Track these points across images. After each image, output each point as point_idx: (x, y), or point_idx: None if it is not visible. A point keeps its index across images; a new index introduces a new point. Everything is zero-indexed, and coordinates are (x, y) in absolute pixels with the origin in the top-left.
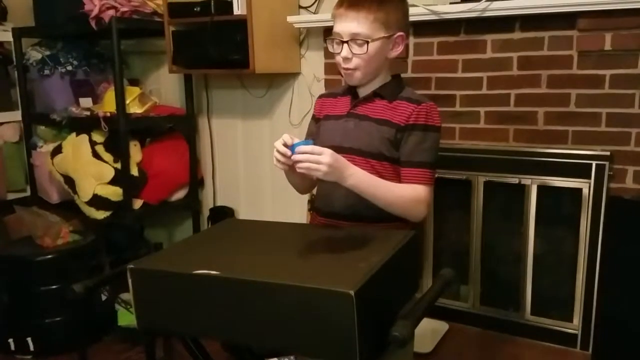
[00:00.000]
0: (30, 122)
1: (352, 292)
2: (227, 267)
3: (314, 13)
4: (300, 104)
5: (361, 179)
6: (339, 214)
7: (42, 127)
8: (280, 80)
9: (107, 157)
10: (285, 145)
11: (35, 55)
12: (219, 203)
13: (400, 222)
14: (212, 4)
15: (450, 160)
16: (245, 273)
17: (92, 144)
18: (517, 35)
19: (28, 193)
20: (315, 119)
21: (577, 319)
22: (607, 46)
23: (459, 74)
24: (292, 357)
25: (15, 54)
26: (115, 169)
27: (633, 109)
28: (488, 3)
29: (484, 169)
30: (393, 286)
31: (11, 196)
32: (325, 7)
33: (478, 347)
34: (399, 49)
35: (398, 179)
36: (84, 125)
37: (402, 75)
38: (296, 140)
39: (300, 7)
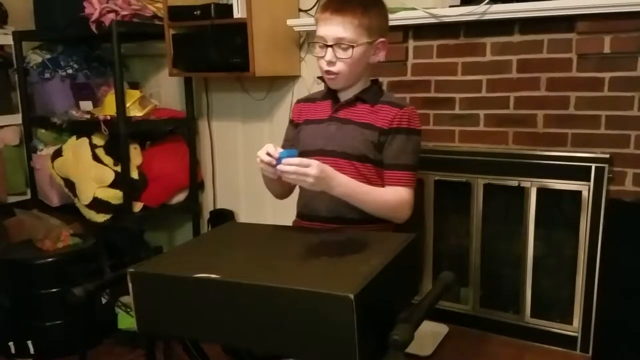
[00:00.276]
0: (30, 125)
1: (351, 296)
2: (227, 270)
3: (314, 16)
4: None
5: (348, 187)
6: (323, 217)
7: (43, 131)
8: (280, 83)
9: (108, 160)
10: (269, 154)
11: (35, 58)
12: (219, 206)
13: (383, 223)
14: (212, 7)
15: (450, 163)
16: (245, 276)
17: (93, 147)
18: (516, 38)
19: (28, 196)
20: (294, 124)
21: (577, 321)
22: (607, 49)
23: (459, 77)
24: None
25: (16, 57)
26: (116, 172)
27: (632, 112)
28: (487, 6)
29: (484, 171)
30: (393, 289)
31: (12, 199)
32: None
33: (478, 349)
34: (381, 54)
35: (381, 180)
36: (84, 128)
37: (402, 78)
38: (280, 150)
39: (300, 10)
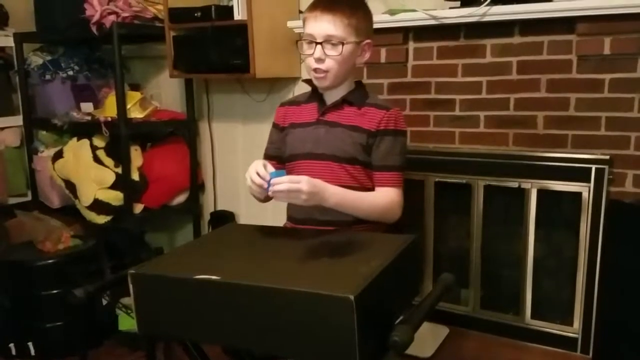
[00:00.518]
0: (31, 126)
1: (352, 297)
2: (228, 271)
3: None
4: None
5: (340, 196)
6: (316, 220)
7: (43, 132)
8: (281, 84)
9: (108, 161)
10: (258, 175)
11: (36, 60)
12: (219, 207)
13: (375, 224)
14: (213, 9)
15: (450, 165)
16: (245, 278)
17: (93, 148)
18: (516, 39)
19: (29, 198)
20: (280, 128)
21: (577, 323)
22: (607, 50)
23: (459, 79)
24: None
25: (17, 59)
26: (116, 173)
27: (632, 113)
28: (487, 8)
29: (484, 173)
30: (393, 291)
31: (12, 201)
32: None
33: (478, 351)
34: (366, 55)
35: (371, 181)
36: (85, 130)
37: (403, 79)
38: (270, 169)
39: (300, 12)
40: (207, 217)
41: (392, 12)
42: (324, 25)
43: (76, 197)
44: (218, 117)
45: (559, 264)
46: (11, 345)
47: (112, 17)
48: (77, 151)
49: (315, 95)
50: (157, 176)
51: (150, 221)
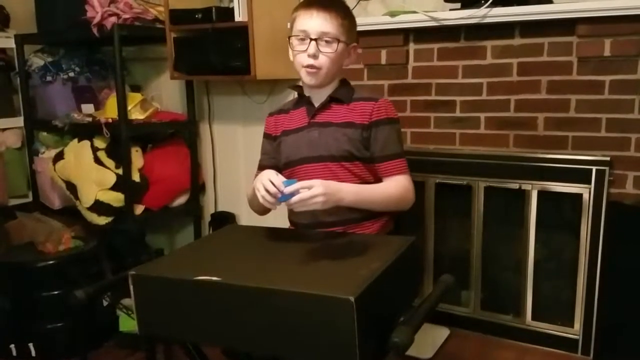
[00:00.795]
0: (32, 128)
1: (352, 299)
2: (228, 273)
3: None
4: None
5: (356, 192)
6: (324, 222)
7: (44, 133)
8: (281, 86)
9: (109, 163)
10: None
11: (37, 61)
12: (220, 209)
13: (385, 217)
14: (214, 10)
15: (450, 166)
16: (246, 279)
17: (94, 150)
18: (516, 41)
19: (30, 199)
20: (272, 138)
21: (578, 324)
22: (607, 52)
23: (459, 80)
24: None
25: (18, 60)
26: (117, 174)
27: (633, 115)
28: (488, 9)
29: (485, 174)
30: (393, 292)
31: (13, 202)
32: None
33: (479, 352)
34: (352, 58)
35: (373, 176)
36: (86, 131)
37: (403, 81)
38: (281, 179)
39: None
40: (207, 218)
41: (392, 14)
42: (319, 22)
43: (77, 198)
44: (219, 118)
45: (560, 265)
46: (12, 346)
47: (113, 19)
48: (78, 152)
49: (303, 100)
50: (158, 177)
51: (151, 222)
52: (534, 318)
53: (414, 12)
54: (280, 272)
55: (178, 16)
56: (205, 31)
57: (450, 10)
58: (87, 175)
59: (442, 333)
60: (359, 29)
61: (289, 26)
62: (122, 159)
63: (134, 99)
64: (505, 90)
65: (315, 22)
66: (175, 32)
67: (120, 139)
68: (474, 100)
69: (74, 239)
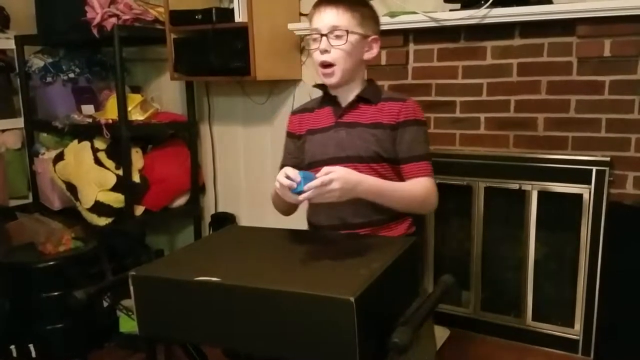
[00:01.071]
0: (32, 129)
1: (352, 299)
2: (228, 273)
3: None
4: None
5: (376, 187)
6: (350, 223)
7: (44, 134)
8: (281, 87)
9: (109, 163)
10: (288, 178)
11: (37, 62)
12: (220, 209)
13: (408, 220)
14: (214, 11)
15: (450, 166)
16: (246, 280)
17: (94, 150)
18: (516, 41)
19: (30, 200)
20: (296, 136)
21: (578, 325)
22: (607, 52)
23: (459, 81)
24: None
25: (18, 61)
26: (117, 175)
27: (633, 115)
28: (488, 10)
29: (485, 174)
30: (393, 293)
31: (13, 203)
32: None
33: (479, 353)
34: (374, 51)
35: (399, 178)
36: (86, 132)
37: (403, 81)
38: (298, 172)
39: (301, 14)
40: (207, 219)
41: (392, 15)
42: (327, 16)
43: (77, 199)
44: (219, 119)
45: (560, 265)
46: (12, 347)
47: (113, 20)
48: (78, 153)
49: (329, 99)
50: (158, 178)
51: (151, 223)
52: (534, 318)
53: (414, 12)
54: (280, 272)
55: (178, 17)
56: (205, 32)
57: (450, 10)
58: (87, 176)
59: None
60: None
61: (290, 28)
62: (122, 160)
63: (134, 99)
64: (505, 90)
65: (324, 17)
66: (175, 32)
67: (120, 140)
68: (474, 100)
69: (74, 240)
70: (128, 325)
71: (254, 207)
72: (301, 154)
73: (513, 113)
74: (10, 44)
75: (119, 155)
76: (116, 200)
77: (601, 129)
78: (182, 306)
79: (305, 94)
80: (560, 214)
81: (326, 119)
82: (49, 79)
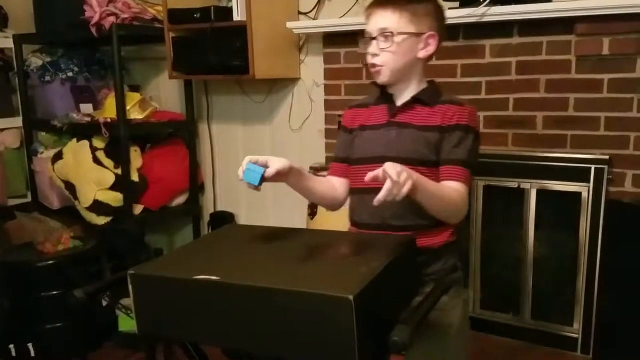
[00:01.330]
0: (31, 128)
1: (351, 297)
2: (227, 272)
3: (314, 19)
4: (300, 109)
5: (422, 178)
6: (393, 225)
7: (43, 134)
8: (280, 85)
9: (108, 163)
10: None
11: (36, 61)
12: (219, 208)
13: (451, 228)
14: (212, 10)
15: None
16: (245, 278)
17: (93, 149)
18: (515, 40)
19: (29, 199)
20: (348, 130)
21: (577, 323)
22: (605, 51)
23: (458, 79)
24: None
25: (17, 60)
26: (116, 174)
27: (631, 113)
28: (486, 8)
29: (484, 173)
30: (393, 291)
31: (12, 202)
32: (325, 14)
33: (478, 351)
34: (430, 49)
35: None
36: (85, 131)
37: None
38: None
39: (299, 13)
40: (206, 218)
41: None
42: (376, 19)
43: (76, 198)
44: (218, 118)
45: (559, 264)
46: (11, 346)
47: (112, 19)
48: (77, 152)
49: (385, 96)
50: (157, 177)
51: (150, 222)
52: (533, 317)
53: None
54: (280, 271)
55: (177, 16)
56: (204, 31)
57: (449, 9)
58: (86, 175)
59: None
60: (357, 28)
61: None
62: (121, 159)
63: (132, 98)
64: (504, 89)
65: (373, 19)
66: (174, 31)
67: (119, 139)
68: (473, 99)
69: (73, 239)
70: (127, 324)
71: (253, 207)
72: (350, 149)
73: (512, 111)
74: (9, 43)
75: (117, 155)
76: (115, 199)
77: (600, 127)
78: (181, 305)
79: (304, 92)
80: (559, 212)
81: (379, 117)
82: (47, 78)
